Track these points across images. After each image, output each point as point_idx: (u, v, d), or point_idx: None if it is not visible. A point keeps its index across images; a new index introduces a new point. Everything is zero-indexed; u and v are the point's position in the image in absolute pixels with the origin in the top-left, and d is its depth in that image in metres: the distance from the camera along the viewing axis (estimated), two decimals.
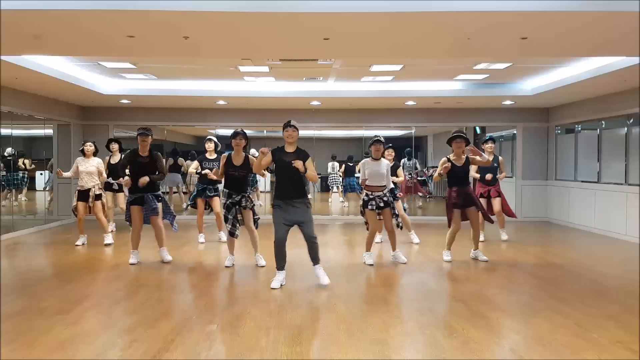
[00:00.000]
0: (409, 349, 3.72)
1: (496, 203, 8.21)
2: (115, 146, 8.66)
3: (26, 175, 11.33)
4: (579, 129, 10.57)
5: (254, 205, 6.38)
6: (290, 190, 5.31)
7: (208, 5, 4.56)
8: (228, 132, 9.45)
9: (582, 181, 10.25)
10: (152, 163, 6.39)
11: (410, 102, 10.79)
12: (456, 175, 6.63)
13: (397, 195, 7.64)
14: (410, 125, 12.17)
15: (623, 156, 9.05)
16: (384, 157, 6.76)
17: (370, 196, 6.48)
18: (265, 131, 13.27)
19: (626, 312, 4.62)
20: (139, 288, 5.37)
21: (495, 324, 4.26)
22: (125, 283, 5.62)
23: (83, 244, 7.90)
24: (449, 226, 6.77)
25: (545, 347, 3.73)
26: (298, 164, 5.16)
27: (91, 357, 3.50)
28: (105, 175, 8.00)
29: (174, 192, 13.29)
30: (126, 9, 4.57)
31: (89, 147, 7.83)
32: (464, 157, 6.64)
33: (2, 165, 10.24)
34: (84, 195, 7.72)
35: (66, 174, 7.89)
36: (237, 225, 6.24)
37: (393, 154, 7.99)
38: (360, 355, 3.56)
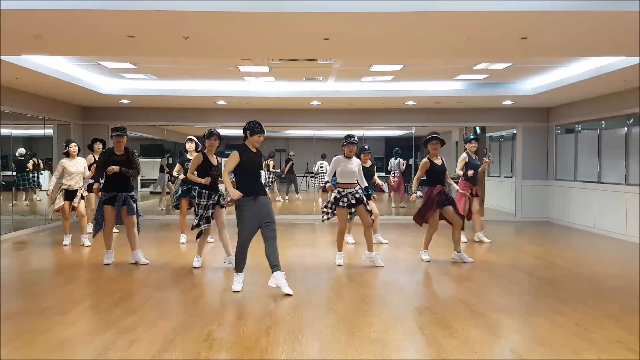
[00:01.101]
0: (409, 349, 3.73)
1: (475, 202, 8.17)
2: (99, 146, 8.61)
3: (37, 176, 11.34)
4: (579, 129, 10.57)
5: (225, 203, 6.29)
6: (259, 187, 5.18)
7: (208, 5, 4.56)
8: (228, 132, 9.47)
9: (582, 181, 10.25)
10: (128, 160, 6.39)
11: (410, 102, 10.79)
12: (435, 174, 6.68)
13: (373, 196, 7.55)
14: (410, 125, 12.18)
15: (623, 156, 9.05)
16: (355, 157, 6.62)
17: (342, 193, 6.39)
18: (265, 131, 13.28)
19: (626, 312, 4.61)
20: (139, 288, 5.38)
21: (495, 324, 4.26)
22: (125, 283, 5.62)
23: (69, 243, 7.89)
24: (420, 224, 6.81)
25: (545, 347, 3.73)
26: None
27: (91, 357, 3.50)
28: (88, 175, 7.95)
29: (167, 193, 13.20)
30: (126, 9, 4.57)
31: (74, 147, 7.83)
32: (440, 158, 6.77)
33: (13, 165, 10.25)
34: (70, 195, 7.78)
35: (52, 184, 7.74)
36: (202, 225, 6.15)
37: (368, 156, 7.88)
38: (360, 355, 3.56)
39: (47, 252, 7.76)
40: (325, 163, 14.98)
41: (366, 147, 7.91)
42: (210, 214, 6.13)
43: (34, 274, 6.13)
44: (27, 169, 11.00)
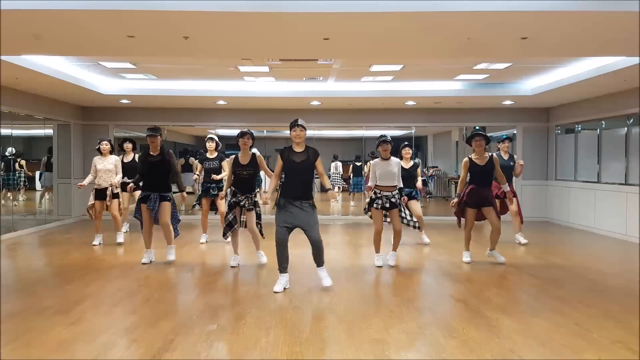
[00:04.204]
0: (409, 349, 3.72)
1: (513, 204, 7.83)
2: (129, 145, 8.70)
3: (23, 176, 11.31)
4: (579, 129, 10.57)
5: (258, 208, 6.34)
6: (298, 191, 5.12)
7: (208, 5, 4.57)
8: (228, 132, 9.47)
9: (582, 181, 10.26)
10: (164, 161, 6.44)
11: (410, 102, 10.79)
12: (476, 174, 6.49)
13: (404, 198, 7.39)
14: (410, 125, 12.18)
15: (623, 156, 9.05)
16: (394, 157, 6.53)
17: (378, 195, 6.31)
18: (265, 131, 13.28)
19: (626, 312, 4.62)
20: (139, 288, 5.38)
21: (495, 324, 4.26)
22: (125, 283, 5.62)
23: (100, 243, 7.90)
24: (459, 225, 6.70)
25: (545, 347, 3.73)
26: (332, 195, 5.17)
27: (91, 357, 3.50)
28: (120, 175, 7.95)
29: (188, 193, 13.21)
30: (126, 9, 4.57)
31: (105, 145, 7.84)
32: (487, 155, 6.52)
33: (2, 165, 10.23)
34: (101, 193, 7.77)
35: (87, 181, 7.76)
36: (233, 225, 6.22)
37: (410, 152, 7.83)
38: (360, 355, 3.56)
39: (47, 252, 7.76)
40: (339, 164, 14.94)
41: (406, 142, 7.89)
42: (230, 214, 6.20)
43: (34, 273, 6.13)
44: (16, 170, 10.97)
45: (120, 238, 7.97)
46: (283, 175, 5.31)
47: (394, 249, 6.60)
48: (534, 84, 9.54)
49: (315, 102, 10.78)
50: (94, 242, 7.88)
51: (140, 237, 8.80)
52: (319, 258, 5.33)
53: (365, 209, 6.59)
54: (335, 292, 5.30)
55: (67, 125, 10.95)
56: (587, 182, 10.08)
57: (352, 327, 4.11)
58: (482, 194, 6.49)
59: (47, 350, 3.61)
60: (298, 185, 5.14)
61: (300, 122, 5.22)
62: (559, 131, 11.26)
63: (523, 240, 8.19)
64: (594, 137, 9.93)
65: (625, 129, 9.06)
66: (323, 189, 5.40)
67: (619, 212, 9.02)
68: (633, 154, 8.78)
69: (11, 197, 11.23)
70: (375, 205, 6.31)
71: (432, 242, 8.18)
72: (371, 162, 6.54)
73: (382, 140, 6.33)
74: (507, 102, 10.72)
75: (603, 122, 9.69)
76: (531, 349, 3.71)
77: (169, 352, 3.57)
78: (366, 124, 11.99)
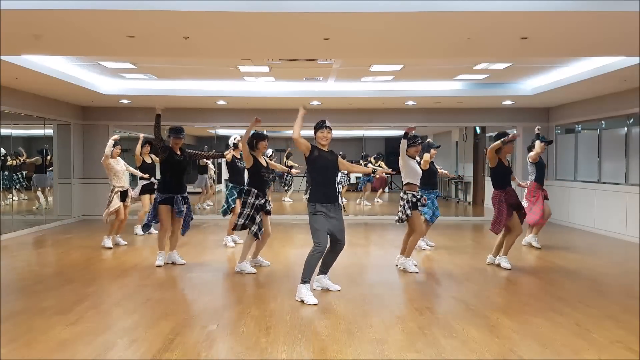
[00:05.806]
0: (409, 349, 3.72)
1: (545, 206, 7.82)
2: (147, 148, 8.81)
3: (22, 175, 11.28)
4: (579, 129, 10.58)
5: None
6: (333, 192, 4.97)
7: (208, 5, 4.57)
8: (228, 132, 9.47)
9: (582, 181, 10.26)
10: (186, 161, 6.48)
11: (410, 102, 10.79)
12: (506, 176, 6.40)
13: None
14: (410, 126, 12.17)
15: (623, 156, 9.05)
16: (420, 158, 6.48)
17: (418, 196, 6.16)
18: (265, 131, 13.24)
19: (626, 312, 4.62)
20: (139, 288, 5.38)
21: (495, 324, 4.26)
22: (125, 283, 5.62)
23: (126, 244, 7.99)
24: (498, 231, 6.38)
25: (545, 347, 3.73)
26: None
27: (91, 357, 3.50)
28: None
29: (197, 192, 13.24)
30: (126, 9, 4.57)
31: (118, 149, 7.91)
32: (507, 158, 6.51)
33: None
34: (123, 195, 7.84)
35: (114, 137, 7.73)
36: (247, 227, 5.99)
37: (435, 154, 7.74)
38: (360, 355, 3.56)
39: (47, 252, 7.76)
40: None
41: (432, 142, 7.84)
42: (257, 216, 5.95)
43: (34, 273, 6.13)
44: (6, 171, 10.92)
45: (123, 241, 8.00)
46: (308, 173, 5.16)
47: (409, 254, 6.33)
48: (534, 84, 9.53)
49: (315, 102, 10.78)
50: (122, 242, 7.95)
51: (138, 238, 8.81)
52: (331, 265, 5.26)
53: (404, 213, 6.15)
54: (335, 292, 5.29)
55: (67, 125, 10.95)
56: (587, 182, 10.08)
57: (352, 327, 4.11)
58: (513, 195, 6.41)
59: (47, 350, 3.61)
60: (330, 184, 4.98)
61: (328, 123, 5.06)
62: (559, 131, 11.26)
63: (537, 245, 8.06)
64: (594, 137, 9.93)
65: (625, 129, 9.06)
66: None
67: (619, 212, 9.01)
68: (633, 154, 8.78)
69: (13, 197, 11.22)
70: (420, 207, 6.16)
71: (436, 244, 8.16)
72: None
73: (417, 142, 6.34)
74: (507, 102, 10.72)
75: (603, 122, 9.69)
76: (531, 349, 3.71)
77: (169, 352, 3.57)
78: (366, 124, 11.99)
